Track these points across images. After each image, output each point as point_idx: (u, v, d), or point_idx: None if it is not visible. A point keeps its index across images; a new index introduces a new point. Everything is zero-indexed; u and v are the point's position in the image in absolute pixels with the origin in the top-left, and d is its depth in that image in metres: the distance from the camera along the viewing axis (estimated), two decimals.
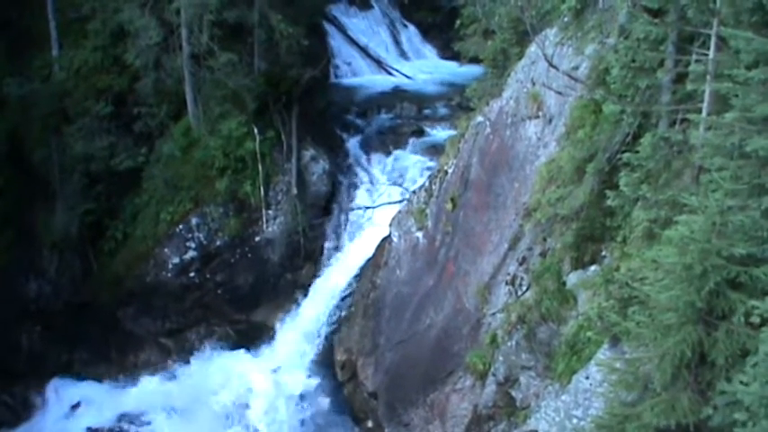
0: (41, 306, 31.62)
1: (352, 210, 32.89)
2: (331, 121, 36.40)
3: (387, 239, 29.02)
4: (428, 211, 26.90)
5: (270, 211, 31.77)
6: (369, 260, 30.31)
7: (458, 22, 29.16)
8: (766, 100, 12.65)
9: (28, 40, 31.99)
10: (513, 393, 21.66)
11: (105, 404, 31.06)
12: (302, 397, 30.36)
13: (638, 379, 14.19)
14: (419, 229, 27.21)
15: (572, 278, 19.67)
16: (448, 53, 40.27)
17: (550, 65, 21.40)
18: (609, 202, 17.90)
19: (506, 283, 22.52)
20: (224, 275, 32.10)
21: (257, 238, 31.99)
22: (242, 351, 31.73)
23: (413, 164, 33.77)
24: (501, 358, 21.85)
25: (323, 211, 32.98)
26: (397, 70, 41.23)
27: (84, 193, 31.34)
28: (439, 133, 35.09)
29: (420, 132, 35.55)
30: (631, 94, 17.17)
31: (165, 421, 30.44)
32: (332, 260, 32.53)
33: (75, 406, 30.92)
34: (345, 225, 32.96)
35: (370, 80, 40.56)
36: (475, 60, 29.76)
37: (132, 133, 31.87)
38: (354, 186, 33.61)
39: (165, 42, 30.67)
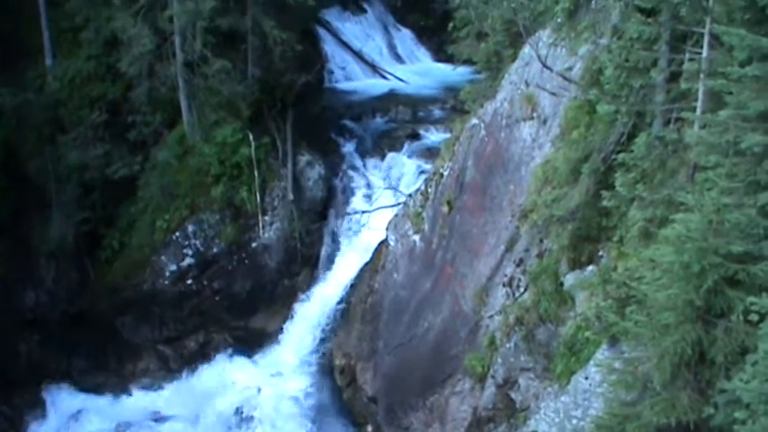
0: (39, 315, 31.53)
1: (349, 214, 32.84)
2: (326, 125, 36.37)
3: (384, 243, 29.00)
4: (424, 214, 26.89)
5: (266, 217, 31.74)
6: (366, 264, 30.27)
7: (451, 24, 29.14)
8: (760, 97, 12.67)
9: (21, 50, 31.92)
10: (513, 395, 21.65)
11: (104, 413, 30.99)
12: (302, 402, 30.32)
13: (638, 378, 14.19)
14: (416, 232, 27.20)
15: (569, 279, 19.67)
16: (442, 56, 40.29)
17: (544, 66, 21.43)
18: (605, 203, 17.90)
19: (504, 285, 22.52)
20: (221, 282, 32.04)
21: (254, 245, 31.95)
22: (240, 358, 31.66)
23: (408, 167, 33.76)
24: (500, 360, 21.85)
25: (319, 216, 32.93)
26: (391, 74, 41.23)
27: (79, 202, 31.28)
28: (434, 136, 35.07)
29: (415, 136, 35.54)
30: (625, 93, 17.17)
31: (165, 429, 30.39)
32: (329, 265, 32.48)
33: (74, 415, 30.82)
34: (342, 230, 32.91)
35: (365, 84, 40.56)
36: (469, 63, 29.76)
37: (127, 142, 31.79)
38: (350, 191, 33.56)
39: (159, 50, 30.61)
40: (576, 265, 19.71)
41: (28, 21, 32.02)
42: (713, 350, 13.04)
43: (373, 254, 29.90)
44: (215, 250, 31.69)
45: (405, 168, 33.83)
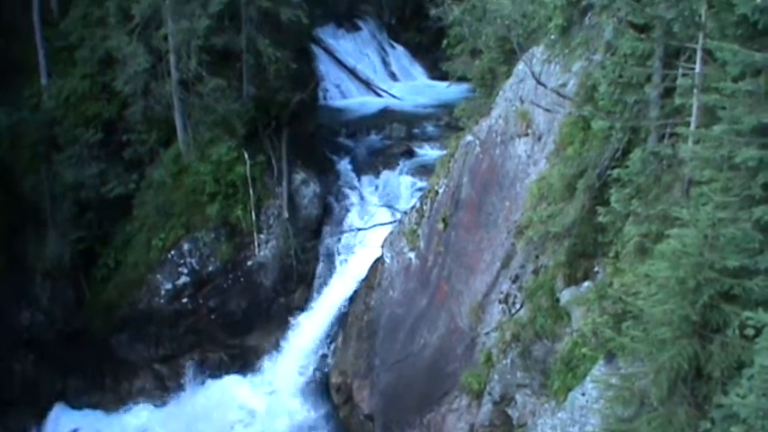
0: (34, 335, 31.46)
1: (344, 232, 32.83)
2: (321, 143, 36.42)
3: (379, 261, 28.98)
4: (420, 231, 26.88)
5: (262, 236, 31.71)
6: (362, 282, 30.24)
7: (445, 42, 29.22)
8: (753, 111, 12.71)
9: (17, 68, 32.00)
10: (510, 412, 21.59)
11: None
12: (298, 421, 30.22)
13: (635, 394, 14.17)
14: (411, 249, 27.18)
15: (565, 295, 19.64)
16: (436, 73, 40.41)
17: (538, 82, 21.47)
18: (600, 219, 17.92)
19: (500, 302, 22.49)
20: (217, 300, 31.98)
21: (249, 263, 31.90)
22: (236, 376, 31.60)
23: (403, 184, 33.78)
24: (496, 377, 21.79)
25: (315, 234, 32.91)
26: (385, 91, 41.34)
27: (75, 220, 31.27)
28: (429, 153, 35.13)
29: (410, 153, 35.59)
30: (619, 109, 17.23)
31: None
32: (325, 283, 32.43)
33: None
34: (337, 247, 32.88)
35: (359, 102, 40.65)
36: (463, 80, 29.83)
37: (122, 160, 31.84)
38: (346, 208, 33.58)
39: (154, 69, 30.69)
40: (572, 281, 19.70)
41: (23, 39, 32.14)
42: (710, 365, 13.04)
43: (369, 271, 29.87)
44: (210, 269, 31.64)
45: (400, 185, 33.85)
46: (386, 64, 43.58)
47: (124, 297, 31.98)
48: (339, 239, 32.92)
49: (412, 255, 27.13)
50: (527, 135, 22.34)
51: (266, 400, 30.75)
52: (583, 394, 17.26)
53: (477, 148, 24.44)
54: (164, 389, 32.04)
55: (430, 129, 37.52)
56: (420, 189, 31.34)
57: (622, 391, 14.40)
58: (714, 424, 12.78)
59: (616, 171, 17.22)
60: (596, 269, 19.22)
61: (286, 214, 31.72)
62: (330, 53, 41.74)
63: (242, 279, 31.97)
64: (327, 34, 42.38)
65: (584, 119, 19.36)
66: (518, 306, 21.81)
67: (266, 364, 31.68)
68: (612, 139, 18.14)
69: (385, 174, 34.45)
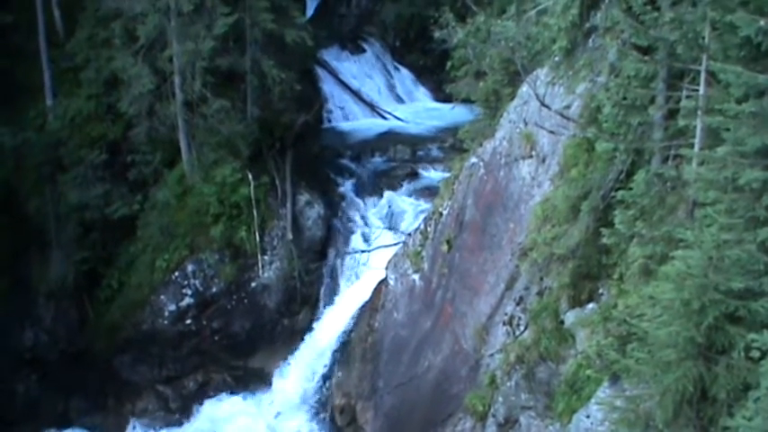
0: (37, 355, 31.43)
1: (348, 254, 32.82)
2: (325, 165, 36.48)
3: (383, 282, 28.95)
4: (424, 253, 26.87)
5: (266, 257, 31.70)
6: (366, 304, 30.20)
7: (449, 64, 29.29)
8: (757, 133, 12.72)
9: (22, 90, 32.12)
10: None
11: None
12: None
13: (640, 416, 14.12)
14: (415, 271, 27.16)
15: (570, 317, 19.61)
16: (440, 95, 40.49)
17: (542, 104, 21.49)
18: (604, 240, 17.88)
19: (504, 324, 22.44)
20: (221, 322, 31.93)
21: (253, 284, 31.88)
22: (240, 398, 31.53)
23: (408, 206, 33.81)
24: (500, 399, 21.72)
25: (319, 256, 32.90)
26: (390, 113, 41.40)
27: (79, 241, 31.28)
28: (433, 175, 35.18)
29: (414, 175, 35.65)
30: (623, 131, 17.21)
31: None
32: (328, 305, 32.41)
33: None
34: (341, 269, 32.87)
35: (364, 124, 40.74)
36: (467, 102, 29.89)
37: (127, 181, 31.89)
38: (350, 230, 33.59)
39: (159, 90, 30.76)
40: (577, 302, 19.66)
41: (29, 61, 32.24)
42: (715, 387, 12.99)
43: (373, 293, 29.83)
44: (214, 290, 31.61)
45: (404, 207, 33.87)
46: (390, 86, 43.66)
47: (128, 318, 31.94)
48: (343, 261, 32.90)
49: (416, 277, 27.10)
50: (531, 157, 22.36)
51: (269, 421, 30.65)
52: (588, 416, 17.19)
53: (482, 170, 24.46)
54: (167, 410, 31.91)
55: (434, 151, 37.60)
56: (424, 211, 31.35)
57: (627, 413, 14.35)
58: None
59: (620, 193, 17.21)
60: (601, 291, 19.18)
61: (290, 236, 31.73)
62: (334, 75, 41.87)
63: (246, 300, 31.94)
64: (332, 56, 42.52)
65: (588, 141, 19.38)
66: (522, 328, 21.76)
67: (270, 385, 31.61)
68: (616, 161, 18.14)
69: (389, 195, 34.50)
